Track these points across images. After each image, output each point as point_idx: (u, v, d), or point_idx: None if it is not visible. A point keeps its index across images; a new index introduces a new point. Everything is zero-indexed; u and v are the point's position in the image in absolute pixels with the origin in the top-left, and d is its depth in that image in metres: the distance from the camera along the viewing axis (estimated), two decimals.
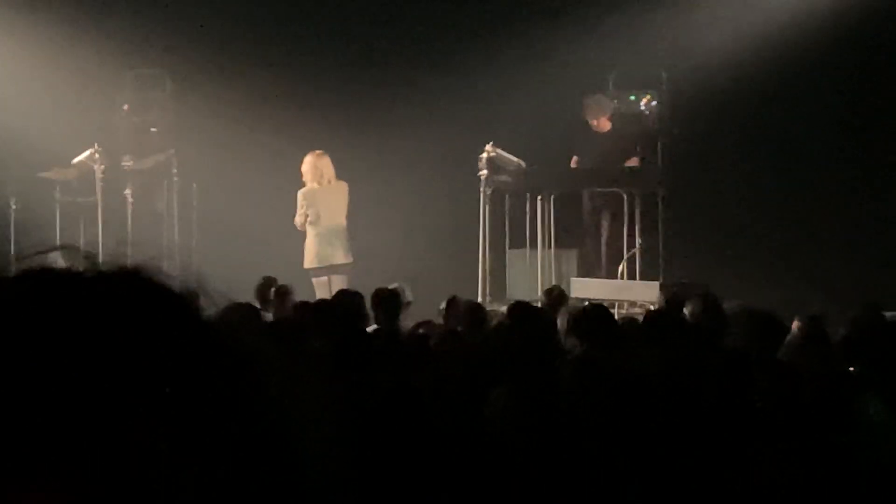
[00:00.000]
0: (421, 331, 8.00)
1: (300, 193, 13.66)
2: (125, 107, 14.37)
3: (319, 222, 13.53)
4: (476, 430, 4.61)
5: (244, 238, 15.44)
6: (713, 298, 8.21)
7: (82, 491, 1.12)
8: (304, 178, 13.70)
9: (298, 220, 13.65)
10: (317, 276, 13.51)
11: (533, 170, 13.55)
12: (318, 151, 13.78)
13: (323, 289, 13.12)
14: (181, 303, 1.23)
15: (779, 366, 5.38)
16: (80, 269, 1.23)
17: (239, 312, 5.09)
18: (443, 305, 9.32)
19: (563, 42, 15.42)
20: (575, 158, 13.79)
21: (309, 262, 13.57)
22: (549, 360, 5.22)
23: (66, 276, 1.21)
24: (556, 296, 9.90)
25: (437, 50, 15.77)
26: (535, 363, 5.10)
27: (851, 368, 5.36)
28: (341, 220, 13.66)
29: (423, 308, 9.83)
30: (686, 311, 9.66)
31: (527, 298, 12.69)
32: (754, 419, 4.64)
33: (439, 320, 9.00)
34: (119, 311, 1.18)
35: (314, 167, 13.62)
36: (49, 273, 1.21)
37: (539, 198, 13.37)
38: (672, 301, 9.12)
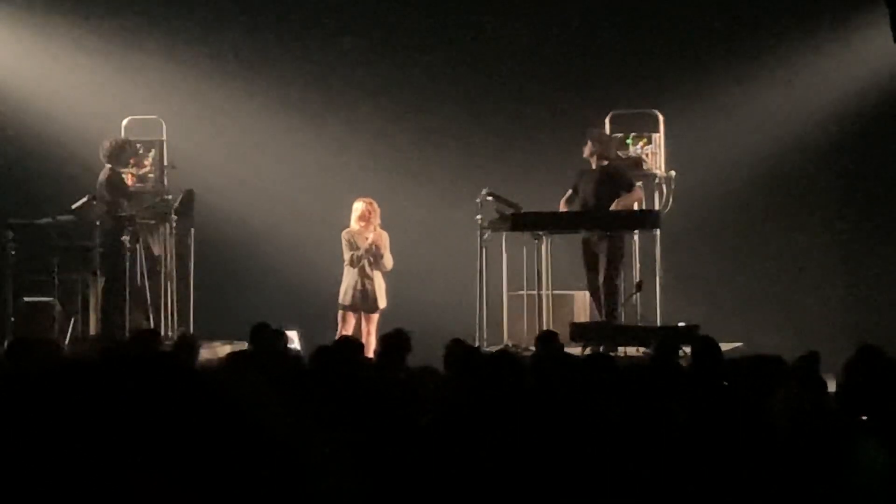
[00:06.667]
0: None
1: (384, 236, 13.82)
2: None
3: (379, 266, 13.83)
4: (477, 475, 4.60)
5: (242, 279, 15.46)
6: (709, 342, 8.18)
7: None
8: (374, 223, 13.80)
9: (387, 263, 13.80)
10: (346, 313, 13.82)
11: (529, 213, 13.48)
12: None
13: (350, 326, 13.65)
14: (177, 372, 1.27)
15: (773, 411, 5.37)
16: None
17: (237, 362, 5.09)
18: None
19: (559, 86, 15.48)
20: (567, 195, 13.69)
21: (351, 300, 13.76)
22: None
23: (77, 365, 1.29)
24: (548, 340, 9.83)
25: (433, 96, 15.81)
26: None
27: (864, 417, 5.32)
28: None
29: (423, 351, 9.79)
30: (683, 354, 9.68)
31: (523, 343, 12.72)
32: (746, 467, 4.63)
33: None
34: (123, 388, 1.24)
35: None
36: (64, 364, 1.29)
37: (536, 241, 13.36)
38: (666, 346, 9.09)
